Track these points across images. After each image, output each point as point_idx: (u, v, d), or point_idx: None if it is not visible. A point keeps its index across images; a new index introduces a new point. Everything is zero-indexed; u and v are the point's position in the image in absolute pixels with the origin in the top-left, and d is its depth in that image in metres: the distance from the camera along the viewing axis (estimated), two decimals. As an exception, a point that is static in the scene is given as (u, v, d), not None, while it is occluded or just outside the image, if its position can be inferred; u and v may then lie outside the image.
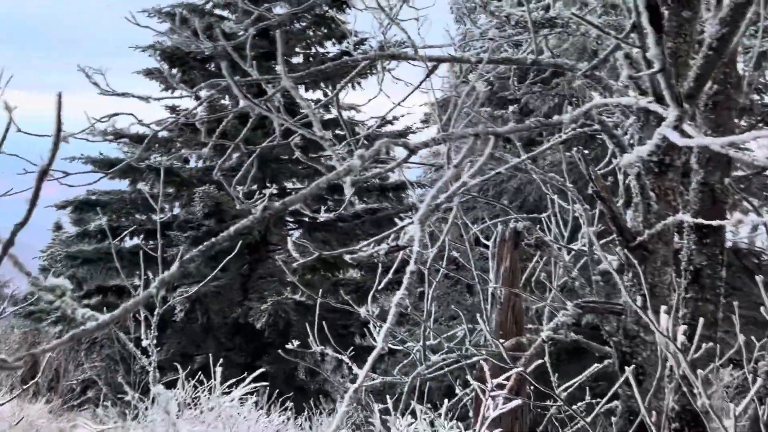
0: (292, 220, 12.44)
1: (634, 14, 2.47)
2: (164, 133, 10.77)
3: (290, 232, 12.49)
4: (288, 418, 6.08)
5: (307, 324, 11.30)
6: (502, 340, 3.21)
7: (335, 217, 12.30)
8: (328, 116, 11.41)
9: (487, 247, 3.90)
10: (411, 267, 1.59)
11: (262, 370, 6.17)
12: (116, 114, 3.17)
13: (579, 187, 3.73)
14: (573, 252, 3.38)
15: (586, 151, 3.07)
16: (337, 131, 9.14)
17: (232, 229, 1.26)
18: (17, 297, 21.53)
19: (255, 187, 10.81)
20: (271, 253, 12.22)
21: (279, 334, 11.00)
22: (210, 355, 10.99)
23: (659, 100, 2.37)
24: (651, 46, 1.27)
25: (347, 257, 2.16)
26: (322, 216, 12.02)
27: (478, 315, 3.73)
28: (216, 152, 8.73)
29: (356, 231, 11.96)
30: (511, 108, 11.73)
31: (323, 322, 4.04)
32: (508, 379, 2.95)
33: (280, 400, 7.21)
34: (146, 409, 3.90)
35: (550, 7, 3.70)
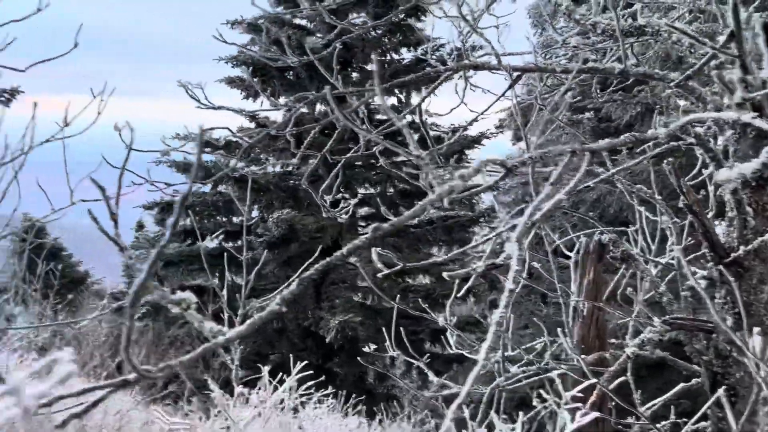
0: (363, 225, 12.60)
1: (732, 24, 2.39)
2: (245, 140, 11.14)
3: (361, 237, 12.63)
4: (361, 422, 6.17)
5: (375, 328, 11.39)
6: (584, 355, 3.16)
7: (406, 225, 12.37)
8: (401, 122, 11.48)
9: (566, 257, 3.85)
10: (509, 285, 1.61)
11: (311, 376, 6.26)
12: (213, 128, 3.36)
13: (664, 198, 3.62)
14: (660, 266, 3.29)
15: (670, 159, 2.99)
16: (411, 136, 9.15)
17: (345, 249, 1.32)
18: (104, 293, 22.69)
19: (338, 194, 11.06)
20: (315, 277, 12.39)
21: (348, 338, 11.17)
22: (283, 354, 11.25)
23: (759, 113, 2.28)
24: (766, 66, 1.25)
25: (446, 275, 2.18)
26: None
27: (558, 327, 3.68)
28: (298, 160, 8.96)
29: (428, 237, 11.99)
30: (586, 114, 11.47)
31: (398, 328, 4.09)
32: (586, 392, 2.91)
33: (351, 403, 7.32)
34: (229, 406, 4.06)
35: (636, 15, 3.62)
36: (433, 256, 12.26)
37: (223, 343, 1.15)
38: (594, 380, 2.57)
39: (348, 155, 3.72)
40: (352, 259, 12.73)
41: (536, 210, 1.71)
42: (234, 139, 11.48)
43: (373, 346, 4.50)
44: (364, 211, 12.76)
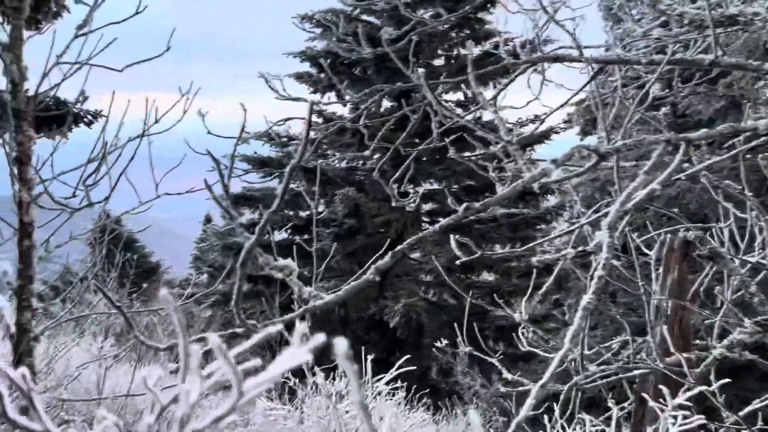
0: (428, 220, 12.59)
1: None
2: (312, 134, 11.37)
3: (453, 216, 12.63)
4: (432, 419, 6.19)
5: (439, 323, 11.35)
6: (667, 355, 3.07)
7: (471, 220, 12.29)
8: (466, 117, 11.41)
9: (643, 254, 3.73)
10: (599, 272, 1.58)
11: (392, 366, 6.28)
12: (290, 118, 3.42)
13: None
14: (749, 265, 3.14)
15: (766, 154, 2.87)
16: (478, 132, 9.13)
17: (437, 226, 1.33)
18: (174, 282, 23.47)
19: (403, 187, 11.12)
20: (408, 252, 12.44)
21: (412, 331, 11.20)
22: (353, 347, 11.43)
23: None
24: None
25: (535, 260, 2.17)
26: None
27: (631, 327, 3.58)
28: (371, 152, 9.04)
29: (492, 234, 11.86)
30: (663, 109, 11.04)
31: (470, 324, 4.08)
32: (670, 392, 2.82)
33: (416, 397, 7.34)
34: (306, 395, 4.14)
35: (722, 4, 3.46)
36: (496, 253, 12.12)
37: (322, 307, 1.19)
38: (704, 386, 2.49)
39: (422, 146, 3.73)
40: (415, 255, 12.74)
41: (629, 198, 1.67)
42: (319, 139, 11.68)
43: (439, 342, 4.50)
44: (428, 206, 12.75)
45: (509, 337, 11.49)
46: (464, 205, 1.35)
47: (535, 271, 4.36)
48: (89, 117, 6.62)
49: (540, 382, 1.41)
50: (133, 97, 3.74)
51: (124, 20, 3.42)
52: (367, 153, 4.07)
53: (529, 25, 3.84)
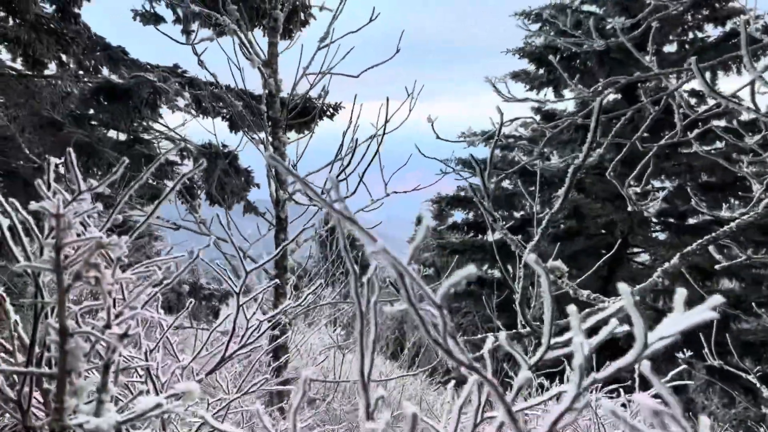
0: (656, 221, 11.60)
1: None
2: (528, 134, 11.12)
3: (654, 234, 11.64)
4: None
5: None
6: None
7: (708, 221, 11.04)
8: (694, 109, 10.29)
9: None
10: None
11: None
12: (517, 118, 3.37)
13: None
14: None
15: None
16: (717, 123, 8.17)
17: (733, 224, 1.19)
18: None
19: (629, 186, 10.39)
20: (632, 256, 11.59)
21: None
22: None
23: None
24: None
25: None
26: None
27: None
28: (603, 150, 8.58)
29: (738, 237, 10.55)
30: None
31: (721, 338, 3.64)
32: None
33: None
34: (529, 395, 4.05)
35: None
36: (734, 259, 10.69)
37: (613, 314, 1.12)
38: None
39: (665, 140, 3.42)
40: (644, 258, 11.81)
41: None
42: (516, 133, 11.48)
43: (689, 353, 4.08)
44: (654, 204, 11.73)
45: (757, 353, 10.09)
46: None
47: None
48: (330, 110, 7.54)
49: None
50: (367, 103, 3.99)
51: (360, 29, 3.66)
52: (600, 151, 3.85)
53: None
